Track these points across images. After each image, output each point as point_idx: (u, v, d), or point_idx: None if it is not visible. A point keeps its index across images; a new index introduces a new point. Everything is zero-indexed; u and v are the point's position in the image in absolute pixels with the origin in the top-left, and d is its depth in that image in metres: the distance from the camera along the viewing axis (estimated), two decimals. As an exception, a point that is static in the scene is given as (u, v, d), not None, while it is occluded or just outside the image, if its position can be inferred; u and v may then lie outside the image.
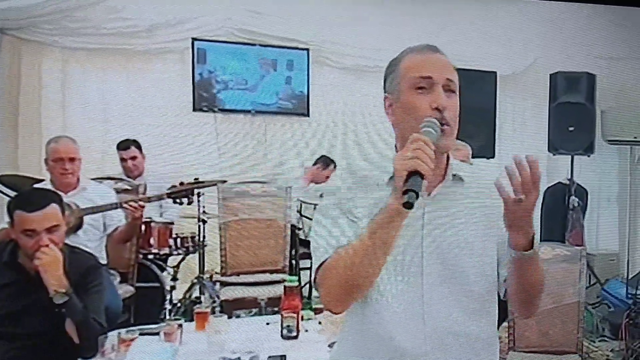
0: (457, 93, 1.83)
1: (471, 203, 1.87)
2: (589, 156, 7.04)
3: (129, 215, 4.45)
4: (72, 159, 4.39)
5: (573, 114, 6.84)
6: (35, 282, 2.96)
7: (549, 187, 7.36)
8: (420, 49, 1.87)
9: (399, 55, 1.91)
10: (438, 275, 1.81)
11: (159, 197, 4.76)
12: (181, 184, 4.65)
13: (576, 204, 6.95)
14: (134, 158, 5.85)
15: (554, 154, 7.12)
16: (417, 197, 1.57)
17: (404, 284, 1.79)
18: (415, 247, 1.81)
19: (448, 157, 1.90)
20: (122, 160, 5.88)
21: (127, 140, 5.97)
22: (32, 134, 6.45)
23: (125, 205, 4.37)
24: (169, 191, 4.65)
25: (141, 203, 4.39)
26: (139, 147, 5.94)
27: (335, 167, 7.01)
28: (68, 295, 2.87)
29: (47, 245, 2.93)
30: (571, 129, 6.82)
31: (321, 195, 6.33)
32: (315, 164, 7.01)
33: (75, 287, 2.95)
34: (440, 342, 1.81)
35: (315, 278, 1.83)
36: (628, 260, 7.00)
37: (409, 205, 1.57)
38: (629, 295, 6.23)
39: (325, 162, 6.99)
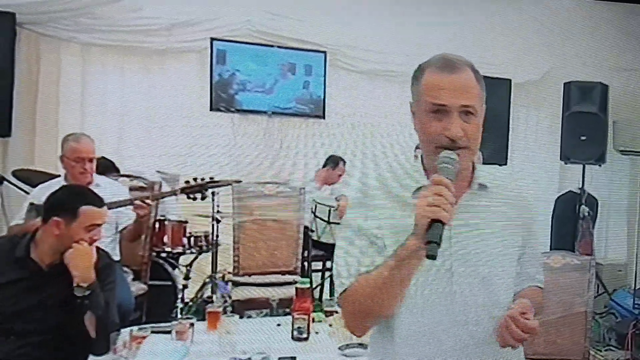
0: (478, 112, 1.83)
1: (495, 211, 1.93)
2: (600, 166, 7.06)
3: (135, 213, 4.48)
4: (91, 159, 4.41)
5: (585, 123, 6.86)
6: (47, 278, 3.00)
7: (560, 196, 7.38)
8: (440, 66, 1.83)
9: (423, 65, 1.88)
10: (466, 283, 1.87)
11: (173, 193, 4.78)
12: (194, 179, 4.66)
13: (586, 213, 6.96)
14: None
15: (565, 163, 7.15)
16: (439, 246, 1.61)
17: (434, 291, 1.85)
18: (444, 256, 1.84)
19: (474, 166, 1.94)
20: None
21: None
22: (49, 129, 6.47)
23: (134, 203, 4.40)
24: (182, 187, 4.68)
25: (147, 201, 4.40)
26: None
27: (344, 164, 6.99)
28: (90, 290, 2.91)
29: (94, 240, 3.03)
30: (583, 138, 6.84)
31: (337, 199, 6.38)
32: (325, 165, 7.01)
33: None
34: (474, 352, 1.88)
35: (339, 302, 1.90)
36: (636, 271, 6.99)
37: (432, 257, 1.61)
38: (636, 306, 6.23)
39: (334, 161, 6.97)
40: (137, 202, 4.36)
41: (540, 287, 2.08)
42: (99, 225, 3.08)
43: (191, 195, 4.68)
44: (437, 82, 1.81)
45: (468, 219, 1.87)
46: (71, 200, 3.07)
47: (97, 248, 3.18)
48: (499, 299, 1.90)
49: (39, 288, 2.99)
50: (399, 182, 1.94)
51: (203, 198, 4.78)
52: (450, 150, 1.78)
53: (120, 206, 4.39)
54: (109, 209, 4.31)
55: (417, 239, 1.64)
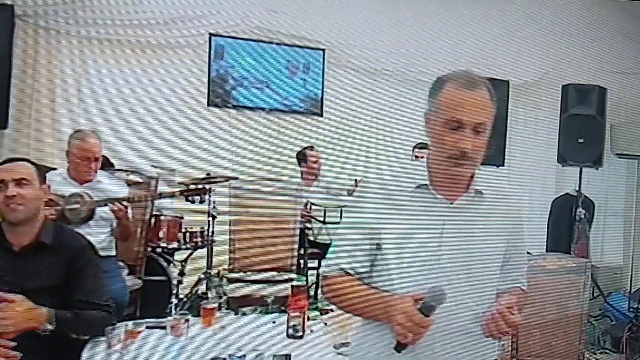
0: (488, 128, 1.97)
1: (488, 215, 2.06)
2: (597, 169, 7.09)
3: (115, 216, 4.45)
4: (96, 158, 4.43)
5: (583, 126, 6.87)
6: (22, 260, 2.93)
7: (556, 198, 7.40)
8: (461, 83, 1.95)
9: (443, 78, 2.01)
10: (452, 277, 2.00)
11: (172, 194, 4.78)
12: (194, 184, 4.65)
13: (582, 216, 6.97)
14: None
15: (562, 165, 7.15)
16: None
17: (419, 284, 1.94)
18: (433, 251, 2.00)
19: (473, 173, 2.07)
20: None
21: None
22: (45, 122, 6.45)
23: (111, 206, 4.35)
24: (181, 189, 4.67)
25: (124, 203, 4.39)
26: None
27: (312, 148, 6.94)
28: (52, 325, 2.79)
29: (14, 196, 2.88)
30: (581, 141, 6.85)
31: (327, 191, 6.36)
32: (299, 164, 6.96)
33: (67, 271, 2.95)
34: (448, 339, 2.01)
35: (320, 282, 2.17)
36: (631, 274, 7.00)
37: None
38: (631, 309, 6.22)
39: (302, 156, 6.90)
40: (112, 205, 4.35)
41: (523, 290, 2.26)
42: (1, 181, 2.91)
43: (190, 199, 4.68)
44: (457, 98, 1.93)
45: (461, 220, 2.02)
46: None
47: (72, 230, 3.17)
48: (482, 295, 2.06)
49: (20, 274, 2.91)
50: (399, 180, 2.07)
51: (202, 202, 4.80)
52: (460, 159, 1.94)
53: (99, 207, 4.38)
54: (100, 206, 4.35)
55: (396, 327, 1.83)
